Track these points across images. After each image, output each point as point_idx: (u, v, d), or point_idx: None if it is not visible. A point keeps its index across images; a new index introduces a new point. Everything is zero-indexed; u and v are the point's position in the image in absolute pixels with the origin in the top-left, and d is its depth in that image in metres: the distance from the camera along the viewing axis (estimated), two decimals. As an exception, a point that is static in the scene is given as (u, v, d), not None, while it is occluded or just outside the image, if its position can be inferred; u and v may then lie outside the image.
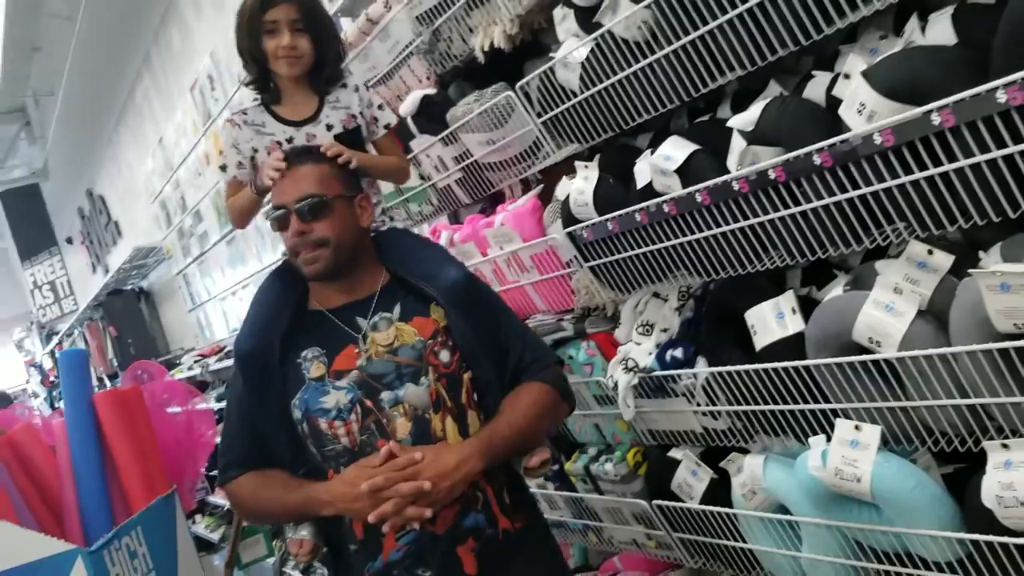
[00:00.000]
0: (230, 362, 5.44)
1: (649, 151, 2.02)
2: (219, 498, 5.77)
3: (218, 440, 1.89)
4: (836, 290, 1.72)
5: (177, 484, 1.56)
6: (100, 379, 9.53)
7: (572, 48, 2.17)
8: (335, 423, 1.73)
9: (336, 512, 1.71)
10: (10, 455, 1.39)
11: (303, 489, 1.73)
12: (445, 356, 1.79)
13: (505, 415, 1.78)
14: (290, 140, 2.02)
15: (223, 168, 2.08)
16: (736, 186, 1.74)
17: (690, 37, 1.80)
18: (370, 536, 1.73)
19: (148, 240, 8.29)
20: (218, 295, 6.86)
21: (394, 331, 1.78)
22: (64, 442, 1.42)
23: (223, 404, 4.86)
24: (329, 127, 2.04)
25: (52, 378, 12.04)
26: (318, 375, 1.76)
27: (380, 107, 2.16)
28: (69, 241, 11.86)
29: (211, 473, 5.22)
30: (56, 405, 10.22)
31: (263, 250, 5.67)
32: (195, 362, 6.14)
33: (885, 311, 1.54)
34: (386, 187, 2.74)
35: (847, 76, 1.59)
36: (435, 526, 1.71)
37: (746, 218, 1.77)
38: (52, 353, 11.69)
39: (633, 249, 2.09)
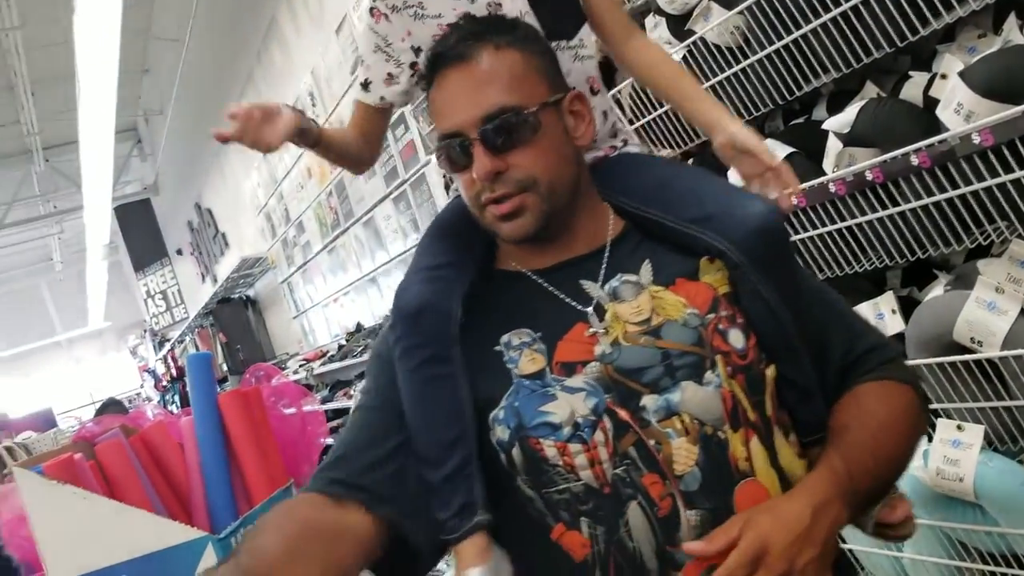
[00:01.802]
0: (334, 366, 5.59)
1: (743, 154, 2.03)
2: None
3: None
4: (937, 290, 1.71)
5: (293, 479, 1.64)
6: (209, 383, 9.88)
7: (664, 55, 2.20)
8: (570, 446, 1.05)
9: None
10: (143, 451, 1.50)
11: None
12: (737, 339, 1.08)
13: (856, 433, 1.08)
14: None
15: (365, 86, 1.36)
16: (833, 188, 1.74)
17: (784, 41, 1.82)
18: None
19: (254, 250, 8.62)
20: (320, 302, 7.08)
21: (648, 300, 1.10)
22: (192, 439, 1.52)
23: (327, 406, 5.04)
24: None
25: (164, 383, 12.57)
26: (534, 370, 1.09)
27: None
28: (179, 252, 12.41)
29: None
30: (169, 408, 10.68)
31: (363, 258, 5.84)
32: (300, 366, 6.35)
33: (987, 310, 1.53)
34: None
35: (944, 76, 1.59)
36: None
37: (843, 219, 1.77)
38: (165, 359, 12.21)
39: (728, 252, 2.10)
